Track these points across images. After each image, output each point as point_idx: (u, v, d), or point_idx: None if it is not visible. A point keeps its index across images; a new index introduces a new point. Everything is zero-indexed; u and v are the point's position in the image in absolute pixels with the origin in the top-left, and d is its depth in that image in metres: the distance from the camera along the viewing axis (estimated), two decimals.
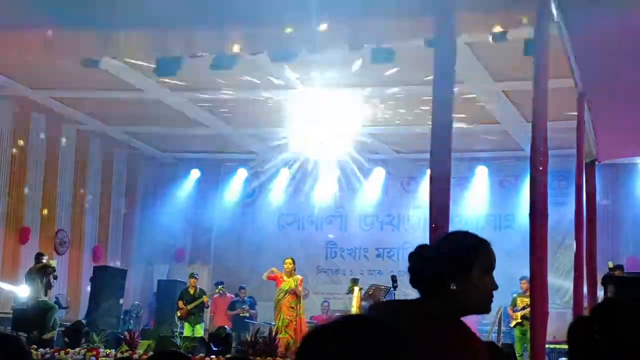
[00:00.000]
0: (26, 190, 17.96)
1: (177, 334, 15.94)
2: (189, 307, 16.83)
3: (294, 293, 15.09)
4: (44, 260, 15.76)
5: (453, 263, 3.02)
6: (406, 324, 2.88)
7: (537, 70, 5.03)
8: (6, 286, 16.29)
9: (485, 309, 3.10)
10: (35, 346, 13.65)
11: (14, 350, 3.18)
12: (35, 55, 12.09)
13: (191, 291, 17.14)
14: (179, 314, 17.00)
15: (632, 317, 2.13)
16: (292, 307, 15.05)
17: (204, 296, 17.13)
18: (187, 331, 16.74)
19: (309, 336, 1.83)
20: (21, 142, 17.80)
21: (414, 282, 3.10)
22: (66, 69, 14.09)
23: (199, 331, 16.74)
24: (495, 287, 3.07)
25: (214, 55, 12.00)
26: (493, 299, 3.10)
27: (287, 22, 11.17)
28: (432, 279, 3.03)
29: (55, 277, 15.83)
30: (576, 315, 7.50)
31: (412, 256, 3.12)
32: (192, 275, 17.65)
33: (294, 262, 15.35)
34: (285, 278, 15.16)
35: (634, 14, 5.72)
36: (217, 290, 17.98)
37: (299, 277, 15.35)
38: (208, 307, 17.71)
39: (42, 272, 15.44)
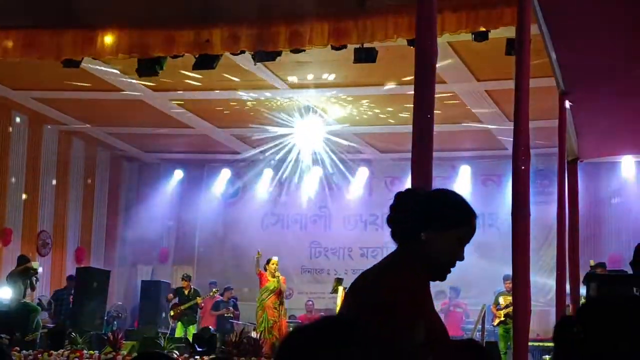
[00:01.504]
0: (8, 191, 17.86)
1: (161, 334, 15.90)
2: (183, 307, 16.83)
3: (279, 293, 15.08)
4: (28, 263, 15.69)
5: (433, 218, 3.08)
6: (372, 274, 3.03)
7: (518, 69, 5.04)
8: None
9: (442, 275, 3.12)
10: (18, 348, 13.58)
11: None
12: (16, 56, 12.02)
13: (185, 292, 17.15)
14: (172, 314, 16.99)
15: (616, 316, 2.14)
16: (276, 308, 15.05)
17: (197, 297, 17.12)
18: (179, 332, 16.72)
19: (288, 338, 1.84)
20: (2, 143, 17.70)
21: (390, 223, 3.18)
22: (47, 69, 14.03)
23: (191, 332, 16.72)
24: (462, 258, 3.10)
25: (195, 55, 11.98)
26: (450, 271, 3.13)
27: (270, 22, 11.18)
28: (409, 225, 3.09)
29: (37, 280, 15.76)
30: (560, 314, 7.54)
31: (399, 196, 3.20)
32: (184, 278, 17.68)
33: (277, 263, 15.39)
34: (269, 278, 15.16)
35: (615, 14, 5.75)
36: (212, 292, 17.93)
37: (282, 277, 15.35)
38: (202, 307, 17.72)
39: (24, 274, 15.37)
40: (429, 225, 3.06)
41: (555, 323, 2.50)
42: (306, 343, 1.76)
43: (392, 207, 3.19)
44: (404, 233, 3.10)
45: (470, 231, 3.14)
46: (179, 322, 16.86)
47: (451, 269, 3.13)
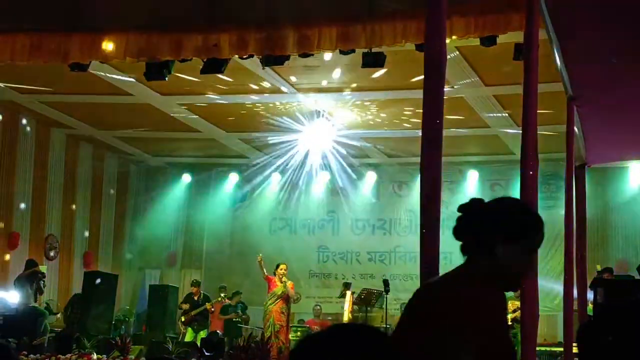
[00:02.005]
0: (15, 195, 17.89)
1: (169, 339, 15.90)
2: (192, 313, 16.83)
3: (286, 298, 15.08)
4: (36, 268, 15.73)
5: (508, 230, 3.04)
6: (449, 284, 3.03)
7: (526, 74, 5.03)
8: None
9: (517, 285, 3.19)
10: (25, 352, 13.60)
11: (2, 357, 3.17)
12: (23, 60, 12.05)
13: (195, 297, 17.15)
14: (182, 319, 17.02)
15: None
16: (283, 313, 15.04)
17: (207, 303, 17.11)
18: (189, 337, 16.72)
19: (301, 343, 1.83)
20: (10, 147, 17.74)
21: (459, 235, 3.14)
22: (55, 73, 14.06)
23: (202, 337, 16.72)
24: (533, 269, 3.21)
25: (204, 59, 11.99)
26: (521, 279, 3.16)
27: (278, 27, 11.18)
28: (481, 238, 3.05)
29: (44, 284, 15.78)
30: (567, 319, 7.54)
31: (465, 208, 3.15)
32: (193, 284, 17.68)
33: (286, 268, 15.39)
34: (278, 283, 15.16)
35: (623, 19, 5.74)
36: (220, 298, 17.90)
37: (290, 282, 15.35)
38: (212, 312, 17.71)
39: (31, 278, 15.40)
40: (504, 237, 3.03)
41: (579, 327, 2.53)
42: (319, 351, 1.76)
43: (460, 219, 3.16)
44: (478, 246, 3.07)
45: (539, 240, 3.10)
46: (189, 328, 16.86)
47: (520, 280, 3.18)
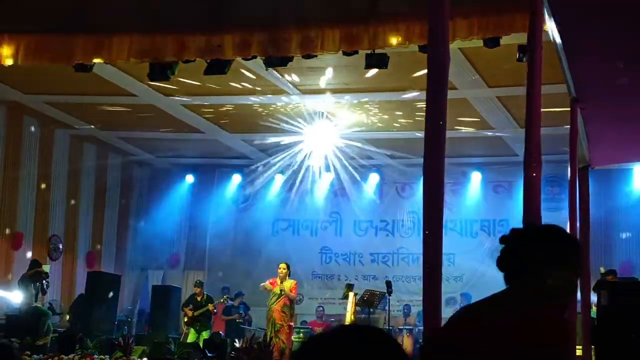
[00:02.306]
0: (19, 195, 17.91)
1: (171, 340, 15.91)
2: (195, 313, 16.83)
3: (287, 298, 15.05)
4: (39, 268, 15.74)
5: (556, 258, 3.12)
6: (509, 312, 3.02)
7: (530, 76, 5.03)
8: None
9: (565, 310, 3.28)
10: (28, 352, 13.61)
11: (5, 357, 3.17)
12: (28, 61, 12.06)
13: (198, 298, 17.15)
14: (185, 320, 17.02)
15: None
16: (284, 312, 15.01)
17: (209, 304, 17.10)
18: (191, 337, 16.72)
19: (306, 344, 1.83)
20: (14, 147, 17.76)
21: (503, 264, 3.18)
22: (59, 74, 14.08)
23: (204, 339, 16.70)
24: (575, 292, 3.26)
25: (207, 60, 11.99)
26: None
27: (281, 28, 11.18)
28: (531, 266, 3.10)
29: (48, 284, 15.80)
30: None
31: (508, 238, 3.20)
32: (197, 284, 17.69)
33: (288, 267, 15.32)
34: (278, 282, 15.15)
35: (627, 20, 5.73)
36: (223, 299, 17.90)
37: (293, 281, 15.32)
38: (215, 313, 17.70)
39: (35, 278, 15.42)
40: (555, 264, 3.13)
41: (594, 328, 2.60)
42: (323, 352, 1.75)
43: (504, 250, 3.21)
44: (528, 274, 3.13)
45: (581, 264, 3.25)
46: (192, 329, 16.85)
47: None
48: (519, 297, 3.11)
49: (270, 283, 15.18)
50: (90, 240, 20.40)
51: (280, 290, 14.96)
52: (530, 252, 3.14)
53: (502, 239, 3.21)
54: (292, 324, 15.39)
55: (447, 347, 3.05)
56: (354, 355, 1.72)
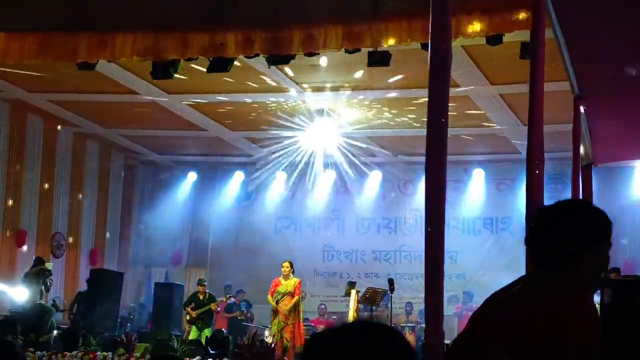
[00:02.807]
0: (23, 193, 17.94)
1: (174, 337, 15.92)
2: (197, 312, 16.83)
3: (291, 296, 15.05)
4: (43, 265, 15.78)
5: (589, 235, 3.03)
6: (546, 293, 2.94)
7: (533, 73, 5.03)
8: (3, 287, 16.28)
9: (599, 284, 3.30)
10: (32, 349, 13.64)
11: (8, 354, 3.18)
12: (31, 59, 12.07)
13: (200, 297, 17.15)
14: (187, 318, 17.03)
15: None
16: (289, 311, 15.01)
17: (212, 303, 17.11)
18: (193, 334, 16.73)
19: (315, 339, 1.81)
20: (17, 145, 17.79)
21: (534, 246, 3.10)
22: (62, 72, 14.09)
23: (206, 335, 16.70)
24: (608, 266, 3.12)
25: (210, 58, 11.99)
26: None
27: (284, 26, 11.19)
28: (564, 246, 3.01)
29: (52, 281, 15.83)
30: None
31: (535, 219, 3.15)
32: (200, 282, 17.70)
33: (291, 266, 15.31)
34: (282, 281, 15.14)
35: (631, 18, 5.73)
36: (225, 298, 17.90)
37: (296, 279, 15.31)
38: (218, 312, 17.70)
39: (39, 276, 15.45)
40: (589, 240, 3.03)
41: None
42: (333, 348, 1.74)
43: (532, 230, 3.12)
44: (563, 253, 3.02)
45: (610, 236, 3.12)
46: (194, 326, 16.86)
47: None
48: (554, 285, 3.00)
49: (274, 284, 15.17)
50: (94, 237, 20.42)
51: (285, 290, 14.96)
52: (565, 230, 3.03)
53: (529, 219, 3.16)
54: (301, 322, 15.37)
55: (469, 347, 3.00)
56: (362, 351, 1.72)
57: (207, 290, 17.35)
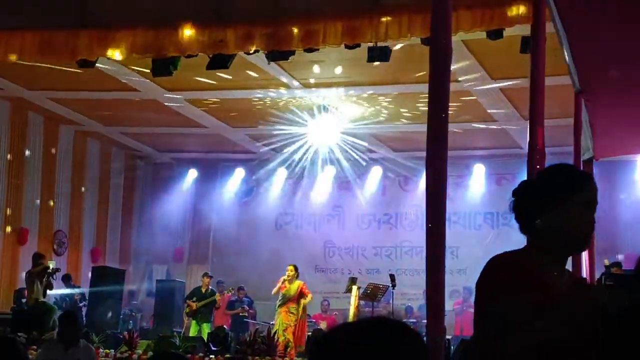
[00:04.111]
0: (24, 191, 17.95)
1: (176, 334, 15.92)
2: (199, 304, 16.82)
3: (295, 300, 15.05)
4: (43, 261, 15.77)
5: (539, 200, 2.99)
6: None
7: (533, 67, 5.02)
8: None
9: (578, 246, 3.08)
10: (35, 347, 13.63)
11: (10, 351, 3.18)
12: (31, 57, 12.06)
13: (203, 290, 17.17)
14: (187, 310, 17.00)
15: None
16: (292, 313, 15.02)
17: (216, 294, 17.13)
18: (193, 330, 16.73)
19: (325, 336, 1.79)
20: (18, 143, 17.79)
21: (515, 218, 3.11)
22: (62, 70, 14.08)
23: (205, 331, 16.69)
24: (589, 225, 2.99)
25: (209, 55, 11.98)
26: (589, 237, 3.04)
27: (283, 22, 11.17)
28: (524, 217, 3.04)
29: (55, 279, 15.83)
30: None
31: (513, 194, 3.10)
32: (205, 275, 17.72)
33: (296, 270, 15.31)
34: (287, 285, 15.15)
35: (632, 11, 5.71)
36: (228, 290, 17.90)
37: (300, 282, 15.31)
38: (218, 307, 17.71)
39: (42, 274, 15.45)
40: (540, 207, 2.99)
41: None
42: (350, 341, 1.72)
43: (512, 202, 3.12)
44: (524, 227, 3.06)
45: (581, 194, 3.00)
46: (193, 321, 16.85)
47: (589, 239, 3.05)
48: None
49: (281, 285, 15.19)
50: (95, 235, 20.44)
51: (289, 295, 14.97)
52: (522, 200, 3.04)
53: (513, 192, 3.10)
54: (304, 321, 15.38)
55: None
56: (378, 347, 1.70)
57: (209, 285, 17.34)
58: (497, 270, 2.97)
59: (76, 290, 17.53)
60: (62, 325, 7.96)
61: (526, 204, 3.03)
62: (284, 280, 15.21)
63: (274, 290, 15.39)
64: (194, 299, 17.05)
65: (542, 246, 2.99)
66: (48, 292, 15.71)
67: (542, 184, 3.06)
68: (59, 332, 7.90)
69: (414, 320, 17.77)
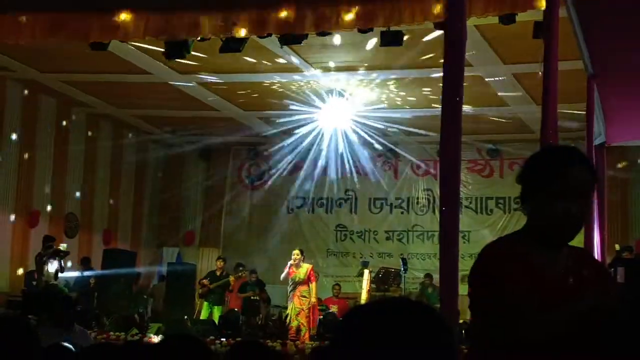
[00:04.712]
0: (36, 173, 18.01)
1: (187, 317, 15.99)
2: (212, 285, 16.86)
3: (305, 283, 15.11)
4: (54, 244, 15.85)
5: (527, 181, 2.99)
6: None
7: (546, 52, 5.01)
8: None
9: (552, 238, 2.92)
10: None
11: (21, 333, 3.21)
12: (45, 39, 12.06)
13: (217, 273, 17.22)
14: (200, 291, 17.03)
15: None
16: (304, 296, 15.08)
17: (230, 276, 17.18)
18: (204, 313, 16.76)
19: (350, 314, 1.78)
20: (30, 125, 17.84)
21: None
22: (75, 52, 14.10)
23: (216, 314, 16.73)
24: (566, 215, 2.85)
25: (222, 38, 11.97)
26: (565, 228, 2.90)
27: (296, 6, 11.14)
28: (520, 200, 3.02)
29: (65, 263, 15.92)
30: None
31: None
32: (219, 258, 17.78)
33: (301, 253, 15.38)
34: (294, 269, 15.20)
35: None
36: (241, 273, 17.93)
37: (308, 265, 15.35)
38: (231, 290, 17.77)
39: (53, 256, 15.54)
40: (528, 188, 2.97)
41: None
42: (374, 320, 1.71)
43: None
44: (521, 205, 3.04)
45: (562, 182, 2.87)
46: (205, 303, 16.86)
47: (567, 230, 2.90)
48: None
49: (291, 272, 15.24)
50: (106, 217, 20.51)
51: (298, 279, 15.03)
52: (519, 179, 3.02)
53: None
54: (316, 304, 15.45)
55: None
56: (402, 326, 1.69)
57: (223, 268, 17.38)
58: (488, 258, 2.91)
59: (91, 274, 17.63)
60: (59, 309, 7.95)
61: (520, 181, 3.04)
62: (291, 265, 15.26)
63: (282, 275, 15.47)
64: (208, 279, 17.10)
65: (529, 232, 2.96)
66: (60, 275, 15.83)
67: (527, 169, 3.03)
68: (55, 316, 7.89)
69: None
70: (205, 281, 17.03)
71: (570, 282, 2.88)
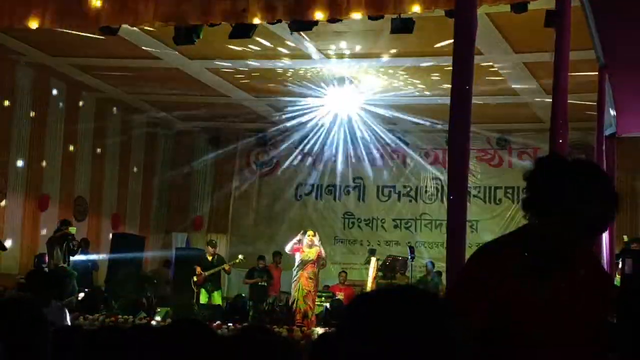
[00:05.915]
0: (45, 157, 18.05)
1: (194, 302, 16.04)
2: (206, 273, 16.85)
3: (314, 264, 15.13)
4: (65, 228, 15.91)
5: (539, 196, 2.77)
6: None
7: (558, 41, 4.99)
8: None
9: (551, 255, 2.72)
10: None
11: (31, 314, 3.23)
12: (54, 24, 12.07)
13: (209, 258, 17.19)
14: (195, 279, 17.05)
15: None
16: (311, 278, 15.10)
17: (224, 265, 17.16)
18: (203, 298, 16.79)
19: (355, 301, 1.78)
20: (40, 110, 17.87)
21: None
22: (85, 36, 14.10)
23: (217, 299, 16.77)
24: (574, 245, 2.69)
25: (232, 24, 11.96)
26: (568, 258, 2.73)
27: None
28: (524, 201, 2.83)
29: (75, 246, 15.94)
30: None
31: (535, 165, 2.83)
32: (209, 243, 17.71)
33: (315, 234, 15.44)
34: (305, 249, 15.22)
35: None
36: (238, 260, 17.89)
37: (318, 248, 15.37)
38: (229, 274, 17.76)
39: (62, 240, 15.60)
40: (539, 203, 2.74)
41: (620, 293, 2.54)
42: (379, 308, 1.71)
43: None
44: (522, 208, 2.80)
45: (588, 220, 2.61)
46: (203, 289, 16.80)
47: (567, 259, 2.75)
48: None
49: (299, 249, 15.26)
50: (115, 202, 20.56)
51: (308, 258, 15.04)
52: (531, 184, 2.80)
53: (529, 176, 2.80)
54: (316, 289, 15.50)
55: None
56: (404, 314, 1.69)
57: (215, 253, 17.32)
58: (477, 266, 2.86)
59: (91, 257, 17.65)
60: (38, 284, 7.85)
61: (530, 189, 2.84)
62: (300, 241, 15.27)
63: (287, 247, 15.44)
64: (201, 267, 16.99)
65: (527, 245, 2.78)
66: (71, 258, 15.89)
67: (546, 182, 2.77)
68: (33, 291, 7.81)
69: None
70: (199, 269, 16.92)
71: (561, 306, 2.71)
